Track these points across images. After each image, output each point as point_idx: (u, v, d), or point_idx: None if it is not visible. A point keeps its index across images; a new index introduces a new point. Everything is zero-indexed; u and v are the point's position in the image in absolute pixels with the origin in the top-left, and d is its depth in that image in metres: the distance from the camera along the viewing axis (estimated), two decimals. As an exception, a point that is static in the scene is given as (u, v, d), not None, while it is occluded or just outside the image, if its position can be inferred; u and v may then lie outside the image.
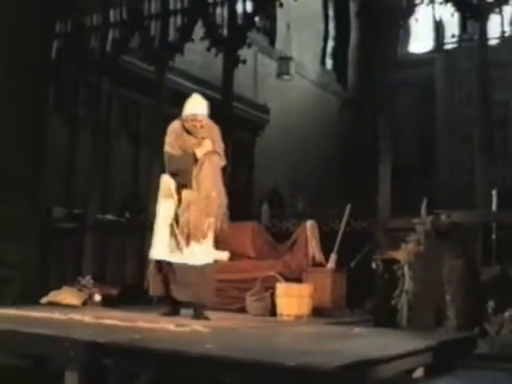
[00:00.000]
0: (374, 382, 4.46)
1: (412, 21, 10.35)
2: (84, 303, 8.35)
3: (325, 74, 20.39)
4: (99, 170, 10.82)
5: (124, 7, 10.82)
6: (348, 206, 8.75)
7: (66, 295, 8.45)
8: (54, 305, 8.18)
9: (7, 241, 9.34)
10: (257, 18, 10.57)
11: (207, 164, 7.02)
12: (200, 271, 6.96)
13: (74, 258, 10.35)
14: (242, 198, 14.01)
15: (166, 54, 10.44)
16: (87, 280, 8.93)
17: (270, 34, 17.50)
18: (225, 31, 10.16)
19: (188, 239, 6.89)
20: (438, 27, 19.80)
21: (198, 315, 6.93)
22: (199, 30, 10.31)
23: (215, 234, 7.14)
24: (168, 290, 6.99)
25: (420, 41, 21.52)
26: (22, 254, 9.62)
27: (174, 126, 7.23)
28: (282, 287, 7.71)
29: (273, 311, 7.72)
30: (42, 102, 11.03)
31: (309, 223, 8.62)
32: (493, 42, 14.62)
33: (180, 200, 6.98)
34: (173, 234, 6.93)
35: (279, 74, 16.62)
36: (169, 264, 6.95)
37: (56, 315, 6.85)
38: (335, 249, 8.37)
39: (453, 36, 19.50)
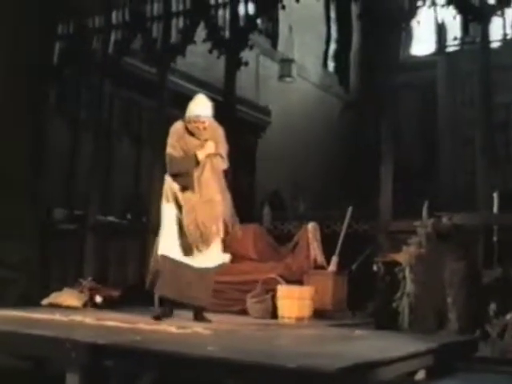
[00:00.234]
0: (376, 385, 4.47)
1: (414, 23, 10.35)
2: (85, 305, 8.35)
3: (327, 77, 20.39)
4: (100, 171, 10.82)
5: (126, 9, 10.82)
6: (349, 209, 8.74)
7: (67, 297, 8.45)
8: (54, 306, 8.19)
9: (8, 242, 9.34)
10: (259, 21, 10.60)
11: (209, 166, 6.97)
12: (203, 274, 6.93)
13: (74, 260, 10.34)
14: (244, 200, 13.99)
15: (168, 56, 10.43)
16: (88, 282, 8.93)
17: (272, 37, 17.50)
18: (227, 33, 10.15)
19: (195, 243, 6.82)
20: (440, 30, 19.82)
21: (200, 317, 6.90)
22: (201, 32, 10.30)
23: (226, 237, 7.08)
24: (171, 291, 6.90)
25: (422, 43, 21.51)
26: (22, 255, 9.63)
27: (177, 126, 7.14)
28: (283, 289, 7.70)
29: (274, 313, 7.71)
30: (42, 103, 11.03)
31: (310, 225, 8.62)
32: (495, 45, 14.61)
33: (182, 203, 6.92)
34: (181, 236, 6.86)
35: (281, 76, 16.63)
36: (177, 265, 6.86)
37: (57, 317, 6.86)
38: (337, 251, 8.37)
39: (455, 39, 19.51)
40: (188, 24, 10.32)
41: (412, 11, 9.07)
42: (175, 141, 7.05)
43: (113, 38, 10.88)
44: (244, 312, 7.99)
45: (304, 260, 8.41)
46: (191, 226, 6.80)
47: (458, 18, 9.08)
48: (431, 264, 7.14)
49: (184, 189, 6.95)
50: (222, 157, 7.10)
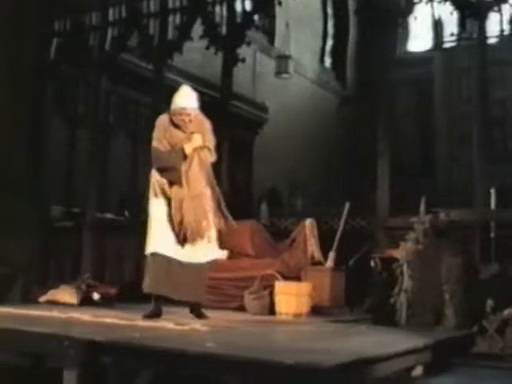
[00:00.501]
0: (373, 381, 4.47)
1: (411, 19, 10.36)
2: (82, 302, 8.34)
3: (323, 73, 20.40)
4: (98, 168, 10.80)
5: (123, 5, 10.81)
6: (347, 205, 8.75)
7: (65, 294, 8.45)
8: (52, 303, 8.19)
9: (6, 239, 9.34)
10: (256, 17, 10.57)
11: (197, 160, 6.77)
12: (196, 269, 6.79)
13: (72, 257, 10.34)
14: (241, 196, 14.01)
15: (165, 53, 10.42)
16: (86, 279, 8.92)
17: (269, 33, 17.52)
18: (224, 30, 10.15)
19: (185, 239, 6.69)
20: (437, 26, 19.84)
21: (197, 314, 6.85)
22: (198, 29, 10.30)
23: (219, 231, 6.93)
24: (164, 289, 6.76)
25: (419, 39, 21.55)
26: (20, 252, 9.63)
27: (162, 119, 6.96)
28: (280, 285, 7.71)
29: (271, 310, 7.72)
30: (41, 100, 11.03)
31: (308, 222, 8.62)
32: (492, 41, 14.63)
33: (170, 198, 6.76)
34: (171, 231, 6.72)
35: (278, 73, 16.64)
36: (168, 261, 6.72)
37: (55, 314, 6.86)
38: (334, 247, 8.38)
39: (452, 34, 19.54)
40: (185, 20, 10.31)
41: (409, 7, 9.08)
42: (161, 134, 6.85)
43: (110, 34, 10.87)
44: (242, 308, 7.99)
45: (301, 256, 8.41)
46: (180, 221, 6.67)
47: (455, 13, 9.08)
48: (428, 260, 7.15)
49: (171, 184, 6.77)
50: (209, 149, 6.90)
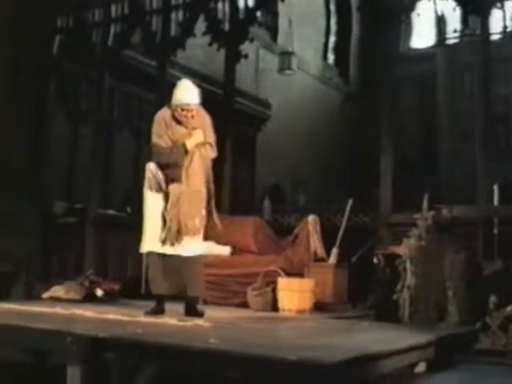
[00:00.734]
0: (376, 377, 4.47)
1: (414, 16, 10.36)
2: (85, 298, 8.34)
3: (326, 69, 20.41)
4: (101, 164, 10.80)
5: (125, 2, 10.81)
6: (350, 201, 8.73)
7: (68, 290, 8.45)
8: (55, 300, 8.19)
9: (9, 236, 9.35)
10: (258, 13, 10.57)
11: (197, 156, 6.67)
12: (192, 262, 6.67)
13: (75, 253, 10.35)
14: (244, 193, 14.02)
15: (168, 49, 10.42)
16: (89, 275, 8.93)
17: (272, 29, 17.53)
18: (226, 26, 10.14)
19: (179, 235, 6.56)
20: (440, 22, 19.84)
21: (193, 313, 6.59)
22: (201, 25, 10.29)
23: (206, 228, 6.82)
24: (165, 287, 6.71)
25: (422, 36, 21.54)
26: (23, 249, 9.63)
27: (163, 114, 6.82)
28: (283, 282, 7.70)
29: (274, 306, 7.71)
30: (43, 97, 11.04)
31: (310, 218, 8.61)
32: (495, 37, 14.62)
33: (167, 193, 6.64)
34: (164, 227, 6.60)
35: (281, 69, 16.65)
36: (163, 257, 6.67)
37: (58, 310, 6.86)
38: (337, 243, 8.37)
39: (455, 31, 19.54)
40: (187, 17, 10.30)
41: (411, 3, 9.07)
42: (162, 130, 6.72)
43: (112, 31, 10.87)
44: (245, 305, 7.98)
45: (304, 252, 8.40)
46: (174, 217, 6.56)
47: (458, 10, 9.07)
48: (431, 256, 7.15)
49: (171, 180, 6.66)
50: (211, 145, 6.81)
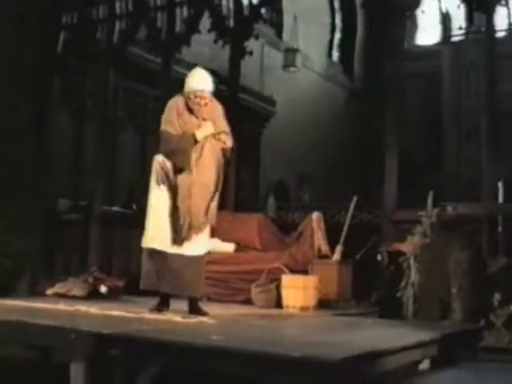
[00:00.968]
0: (380, 374, 4.47)
1: (419, 13, 10.35)
2: (90, 295, 8.35)
3: (331, 66, 20.39)
4: (105, 161, 10.81)
5: (130, -2, 10.81)
6: (354, 198, 8.73)
7: (72, 287, 8.45)
8: (59, 296, 8.20)
9: (14, 233, 9.35)
10: (263, 10, 10.56)
11: (208, 148, 6.55)
12: (195, 262, 6.58)
13: (79, 250, 10.36)
14: (248, 189, 14.02)
15: (173, 46, 10.43)
16: (93, 271, 8.94)
17: (277, 26, 17.51)
18: (231, 23, 10.13)
19: (190, 229, 6.45)
20: (445, 19, 19.82)
21: (196, 311, 6.54)
22: (206, 22, 10.28)
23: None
24: (160, 284, 6.60)
25: (427, 33, 21.51)
26: (28, 245, 9.64)
27: (176, 102, 6.69)
28: (287, 279, 7.70)
29: (278, 303, 7.71)
30: (47, 93, 11.04)
31: (315, 215, 8.61)
32: (500, 34, 14.58)
33: (176, 186, 6.50)
34: (173, 223, 6.51)
35: (286, 66, 16.64)
36: (164, 255, 6.56)
37: (62, 306, 6.87)
38: (341, 240, 8.36)
39: (459, 28, 19.50)
40: (192, 13, 10.29)
41: (417, 0, 9.06)
42: (173, 117, 6.60)
43: (117, 27, 10.86)
44: (248, 301, 7.98)
45: (308, 249, 8.40)
46: (186, 212, 6.43)
47: (463, 7, 9.07)
48: (436, 254, 7.15)
49: (179, 170, 6.51)
50: (226, 134, 6.70)
